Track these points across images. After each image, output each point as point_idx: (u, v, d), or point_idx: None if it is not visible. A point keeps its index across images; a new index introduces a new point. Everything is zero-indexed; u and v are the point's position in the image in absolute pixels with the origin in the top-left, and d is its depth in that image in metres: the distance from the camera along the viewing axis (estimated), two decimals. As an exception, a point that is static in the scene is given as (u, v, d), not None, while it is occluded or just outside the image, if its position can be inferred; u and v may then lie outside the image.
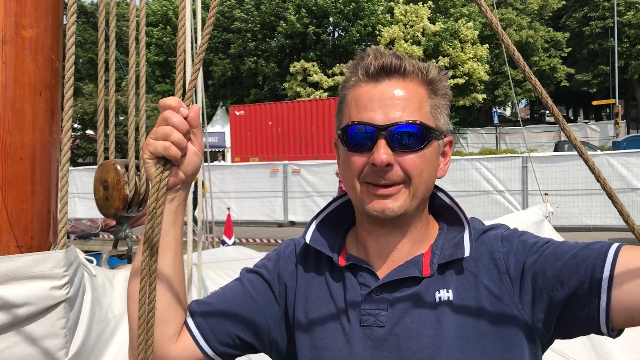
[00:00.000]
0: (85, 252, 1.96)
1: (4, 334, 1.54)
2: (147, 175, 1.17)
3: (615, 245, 1.12)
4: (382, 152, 1.14)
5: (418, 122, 1.16)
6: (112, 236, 2.12)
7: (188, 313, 1.33)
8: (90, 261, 1.90)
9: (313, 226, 1.33)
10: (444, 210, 1.31)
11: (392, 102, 1.17)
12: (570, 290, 1.11)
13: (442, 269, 1.21)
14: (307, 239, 1.30)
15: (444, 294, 1.18)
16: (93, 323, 1.77)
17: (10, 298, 1.53)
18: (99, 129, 2.10)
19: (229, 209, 10.15)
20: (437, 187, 1.31)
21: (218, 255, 2.80)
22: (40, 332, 1.59)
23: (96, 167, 2.05)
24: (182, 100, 1.14)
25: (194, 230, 2.45)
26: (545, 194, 5.75)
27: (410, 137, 1.16)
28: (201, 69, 2.40)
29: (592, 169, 1.08)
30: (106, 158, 2.11)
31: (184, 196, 1.23)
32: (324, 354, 1.21)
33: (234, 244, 9.18)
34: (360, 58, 1.22)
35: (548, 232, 4.74)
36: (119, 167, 1.87)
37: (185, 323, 1.31)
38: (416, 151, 1.17)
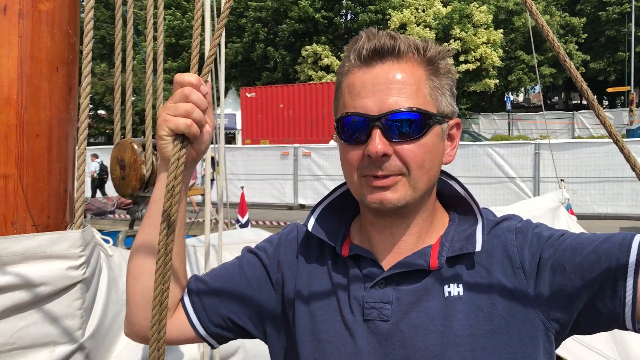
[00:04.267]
0: (98, 230, 1.94)
1: (22, 313, 1.52)
2: (162, 152, 1.12)
3: (638, 237, 1.06)
4: (377, 142, 1.07)
5: (415, 108, 1.09)
6: (125, 215, 2.09)
7: (185, 290, 1.31)
8: (107, 241, 1.88)
9: (316, 213, 1.28)
10: (455, 201, 1.25)
11: (387, 87, 1.09)
12: (592, 286, 1.06)
13: (452, 263, 1.15)
14: (310, 226, 1.25)
15: (454, 289, 1.12)
16: (109, 304, 1.75)
17: (26, 277, 1.51)
18: (115, 107, 2.06)
19: (242, 187, 10.17)
20: (450, 176, 1.25)
21: (235, 237, 2.78)
22: (57, 312, 1.57)
23: (108, 146, 2.02)
24: (200, 76, 1.10)
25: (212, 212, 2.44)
26: (562, 180, 5.68)
27: (408, 125, 1.08)
28: (222, 46, 2.35)
29: (628, 158, 1.02)
30: (123, 137, 2.07)
31: (190, 174, 1.22)
32: (326, 347, 1.16)
33: (247, 222, 9.23)
34: (353, 41, 1.15)
35: (564, 219, 4.69)
36: (135, 147, 1.84)
37: (182, 300, 1.30)
38: (415, 140, 1.09)
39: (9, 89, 1.55)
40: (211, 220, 2.10)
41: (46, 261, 1.55)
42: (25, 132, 1.58)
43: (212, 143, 2.55)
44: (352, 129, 1.11)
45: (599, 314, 1.07)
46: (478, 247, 1.13)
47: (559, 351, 2.71)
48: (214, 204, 3.32)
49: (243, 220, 9.18)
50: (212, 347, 1.36)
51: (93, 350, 1.67)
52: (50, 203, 1.64)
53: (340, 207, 1.30)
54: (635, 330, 1.07)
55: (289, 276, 1.27)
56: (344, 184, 1.29)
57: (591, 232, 1.17)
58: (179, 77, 1.10)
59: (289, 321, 1.24)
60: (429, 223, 1.20)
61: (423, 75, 1.12)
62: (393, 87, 1.09)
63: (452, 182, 1.25)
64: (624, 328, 1.08)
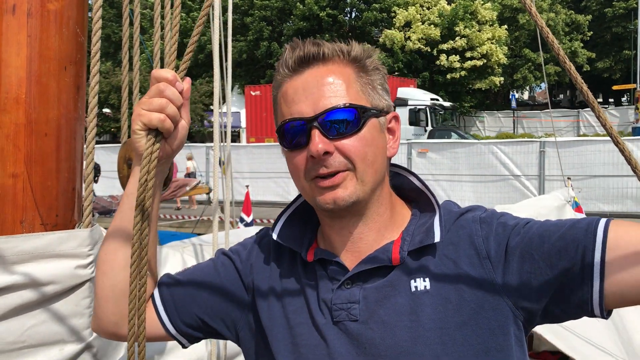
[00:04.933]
0: (104, 229, 1.94)
1: (31, 311, 1.53)
2: (135, 147, 1.13)
3: (603, 222, 1.06)
4: (317, 141, 1.09)
5: (348, 104, 1.11)
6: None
7: (156, 287, 1.31)
8: (115, 240, 1.88)
9: (282, 221, 1.28)
10: (415, 195, 1.25)
11: (318, 89, 1.12)
12: (560, 273, 1.06)
13: (416, 257, 1.16)
14: (275, 235, 1.26)
15: (421, 283, 1.13)
16: (117, 302, 1.75)
17: (35, 276, 1.52)
18: (123, 106, 2.06)
19: (247, 186, 10.18)
20: (407, 170, 1.27)
21: (242, 236, 2.77)
22: (66, 311, 1.58)
23: (113, 145, 2.02)
24: (177, 72, 1.11)
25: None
26: (568, 178, 5.66)
27: (344, 121, 1.11)
28: (230, 45, 2.35)
29: (629, 160, 1.01)
30: (129, 136, 2.07)
31: (165, 170, 1.22)
32: (301, 351, 1.17)
33: (252, 221, 9.24)
34: (281, 56, 1.18)
35: (570, 217, 4.67)
36: (143, 145, 1.84)
37: (152, 297, 1.30)
38: (353, 134, 1.12)
39: (17, 88, 1.55)
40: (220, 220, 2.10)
41: (55, 260, 1.55)
42: (34, 131, 1.58)
43: (221, 142, 2.56)
44: (292, 135, 1.14)
45: (567, 301, 1.08)
46: (437, 239, 1.14)
47: (567, 350, 2.71)
48: (219, 202, 3.32)
49: (248, 220, 9.18)
50: (183, 347, 1.35)
51: (101, 349, 1.67)
52: (59, 202, 1.64)
53: (306, 212, 1.30)
54: (603, 317, 1.07)
55: (260, 280, 1.28)
56: None
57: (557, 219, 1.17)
58: (156, 72, 1.11)
59: (261, 325, 1.24)
60: (387, 218, 1.21)
61: (351, 73, 1.16)
62: (324, 88, 1.12)
63: (410, 177, 1.26)
64: (593, 315, 1.08)
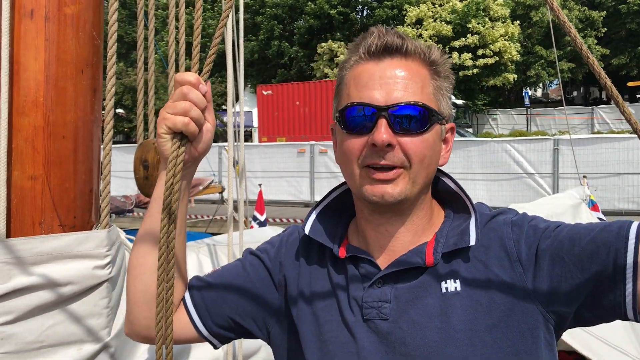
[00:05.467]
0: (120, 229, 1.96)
1: (50, 312, 1.55)
2: (161, 151, 1.14)
3: (635, 225, 1.06)
4: (383, 131, 1.09)
5: (420, 103, 1.12)
6: (144, 213, 2.11)
7: (187, 289, 1.32)
8: (131, 240, 1.90)
9: (313, 216, 1.29)
10: (449, 196, 1.26)
11: (394, 80, 1.12)
12: (592, 277, 1.06)
13: (448, 259, 1.16)
14: (307, 230, 1.26)
15: (451, 285, 1.13)
16: (134, 303, 1.77)
17: (54, 277, 1.54)
18: (139, 107, 2.08)
19: (260, 185, 10.21)
20: (441, 172, 1.26)
21: (256, 235, 2.80)
22: (84, 311, 1.60)
23: (126, 145, 2.04)
24: (200, 75, 1.12)
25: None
26: (584, 176, 5.62)
27: (412, 119, 1.11)
28: (242, 45, 2.36)
29: None
30: (145, 137, 2.09)
31: (192, 174, 1.23)
32: (329, 348, 1.18)
33: (265, 220, 9.27)
34: (362, 37, 1.18)
35: (586, 216, 4.64)
36: (159, 147, 1.86)
37: (183, 300, 1.31)
38: (418, 134, 1.12)
39: (35, 91, 1.57)
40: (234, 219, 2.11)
41: (73, 261, 1.57)
42: (52, 133, 1.60)
43: (235, 141, 2.57)
44: (357, 119, 1.13)
45: (599, 305, 1.07)
46: (472, 242, 1.14)
47: (583, 350, 2.69)
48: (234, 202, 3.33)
49: (262, 218, 9.22)
50: (215, 347, 1.36)
51: (119, 349, 1.69)
52: (77, 203, 1.66)
53: (338, 209, 1.31)
54: (636, 320, 1.07)
55: (290, 277, 1.28)
56: (340, 185, 1.31)
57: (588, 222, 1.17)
58: (179, 76, 1.12)
59: (292, 322, 1.25)
60: (426, 221, 1.21)
61: (427, 74, 1.16)
62: (400, 81, 1.12)
63: (445, 179, 1.26)
64: (625, 318, 1.07)
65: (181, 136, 1.10)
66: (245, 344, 2.12)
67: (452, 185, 1.24)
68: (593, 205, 5.19)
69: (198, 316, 1.29)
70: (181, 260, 1.27)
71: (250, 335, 1.34)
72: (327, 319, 1.20)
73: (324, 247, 1.27)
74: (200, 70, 1.13)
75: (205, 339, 1.31)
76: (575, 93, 52.52)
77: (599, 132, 26.99)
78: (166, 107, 1.12)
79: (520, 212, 1.23)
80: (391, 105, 1.10)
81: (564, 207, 4.35)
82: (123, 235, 1.84)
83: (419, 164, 1.12)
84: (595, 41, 38.57)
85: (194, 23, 1.16)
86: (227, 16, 1.09)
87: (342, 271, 1.22)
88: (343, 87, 1.19)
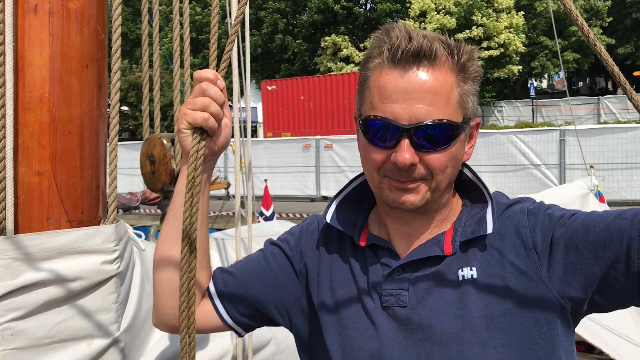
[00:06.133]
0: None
1: (59, 307, 1.55)
2: (182, 145, 1.17)
3: None
4: (406, 152, 1.09)
5: (445, 120, 1.09)
6: (150, 210, 2.11)
7: (211, 280, 1.35)
8: (139, 235, 1.90)
9: (334, 205, 1.31)
10: (467, 186, 1.27)
11: (419, 95, 1.09)
12: (606, 263, 1.07)
13: (465, 247, 1.18)
14: (328, 218, 1.29)
15: (467, 272, 1.15)
16: (143, 297, 1.77)
17: (62, 272, 1.54)
18: (144, 103, 2.08)
19: (265, 180, 10.24)
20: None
21: (264, 229, 2.80)
22: (93, 307, 1.60)
23: (131, 142, 2.04)
24: (217, 71, 1.14)
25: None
26: (591, 166, 5.59)
27: (437, 137, 1.10)
28: (248, 40, 2.35)
29: None
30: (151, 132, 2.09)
31: (212, 168, 1.26)
32: (350, 334, 1.20)
33: (272, 215, 9.29)
34: (386, 34, 1.13)
35: (593, 206, 4.62)
36: (165, 142, 1.85)
37: (208, 290, 1.34)
38: (442, 150, 1.11)
39: (41, 87, 1.57)
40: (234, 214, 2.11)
41: (81, 256, 1.57)
42: (58, 129, 1.60)
43: (241, 137, 2.56)
44: (379, 133, 1.12)
45: (614, 291, 1.08)
46: (489, 230, 1.16)
47: (592, 340, 2.68)
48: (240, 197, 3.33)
49: (268, 213, 9.25)
50: (239, 335, 1.40)
51: (128, 343, 1.69)
52: (84, 199, 1.66)
53: (358, 198, 1.33)
54: None
55: (311, 266, 1.31)
56: (361, 175, 1.32)
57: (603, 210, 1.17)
58: (198, 73, 1.14)
59: (314, 309, 1.28)
60: (445, 214, 1.23)
61: (454, 82, 1.13)
62: (425, 95, 1.09)
63: (464, 169, 1.27)
64: None
65: (201, 131, 1.13)
66: (254, 338, 2.13)
67: (470, 175, 1.26)
68: (599, 197, 5.16)
69: (222, 306, 1.32)
70: (204, 251, 1.30)
71: (272, 322, 1.37)
72: (347, 305, 1.23)
73: (344, 236, 1.30)
74: (217, 67, 1.14)
75: (230, 328, 1.34)
76: (581, 83, 52.21)
77: (605, 123, 26.86)
78: (186, 103, 1.14)
79: (553, 205, 1.23)
80: (415, 125, 1.08)
81: (572, 197, 4.34)
82: (131, 230, 1.84)
83: (440, 174, 1.13)
84: (601, 31, 38.27)
85: (211, 20, 1.17)
86: (242, 13, 1.09)
87: (362, 259, 1.25)
88: (367, 92, 1.16)
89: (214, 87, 1.12)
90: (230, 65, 2.22)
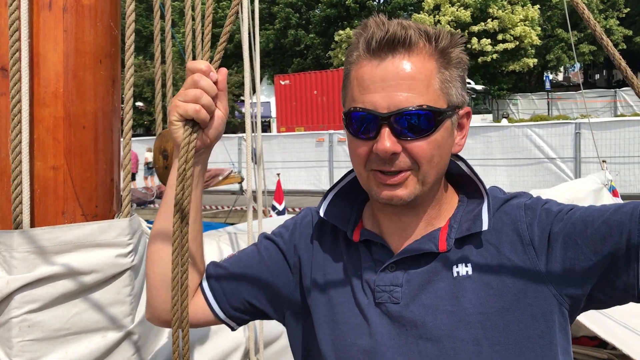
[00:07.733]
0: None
1: (74, 300, 1.57)
2: (173, 138, 1.15)
3: None
4: (386, 140, 1.06)
5: (425, 106, 1.06)
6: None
7: (205, 275, 1.34)
8: (152, 229, 1.92)
9: (328, 199, 1.29)
10: (463, 180, 1.24)
11: (397, 82, 1.06)
12: (605, 259, 1.04)
13: (460, 243, 1.16)
14: (322, 212, 1.27)
15: (463, 269, 1.13)
16: (157, 290, 1.79)
17: (77, 265, 1.56)
18: (157, 98, 2.10)
19: (278, 174, 10.26)
20: (457, 156, 1.24)
21: (275, 223, 2.80)
22: (107, 300, 1.62)
23: (146, 137, 2.06)
24: (211, 63, 1.13)
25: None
26: (604, 161, 5.53)
27: (417, 123, 1.06)
28: (257, 35, 2.36)
29: None
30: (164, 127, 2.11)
31: (205, 160, 1.23)
32: (342, 329, 1.19)
33: (284, 209, 9.32)
34: (362, 27, 1.12)
35: (607, 201, 4.58)
36: (177, 136, 1.87)
37: (200, 285, 1.33)
38: (424, 137, 1.08)
39: (55, 82, 1.59)
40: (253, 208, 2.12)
41: (96, 249, 1.60)
42: (72, 124, 1.62)
43: (252, 132, 2.57)
44: (360, 124, 1.10)
45: (613, 287, 1.06)
46: (484, 227, 1.13)
47: (604, 335, 2.66)
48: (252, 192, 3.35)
49: (280, 208, 9.27)
50: (232, 329, 1.38)
51: (142, 336, 1.72)
52: (98, 193, 1.68)
53: (352, 192, 1.31)
54: None
55: (305, 260, 1.30)
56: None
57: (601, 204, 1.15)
58: (191, 64, 1.13)
59: (307, 304, 1.27)
60: (438, 209, 1.21)
61: (434, 68, 1.09)
62: (403, 82, 1.07)
63: (459, 162, 1.24)
64: (638, 300, 1.06)
65: (192, 123, 1.12)
66: (266, 331, 2.14)
67: (465, 169, 1.23)
68: (613, 191, 5.11)
69: (215, 300, 1.31)
70: (197, 246, 1.28)
71: (265, 316, 1.36)
72: (340, 300, 1.21)
73: (337, 230, 1.28)
74: (211, 59, 1.14)
75: (223, 322, 1.33)
76: (597, 76, 51.62)
77: (622, 115, 26.53)
78: (178, 95, 1.13)
79: (550, 200, 1.20)
80: (394, 112, 1.06)
81: (586, 192, 4.30)
82: (144, 224, 1.86)
83: (427, 164, 1.10)
84: (617, 22, 37.77)
85: (205, 12, 1.17)
86: (237, 4, 1.09)
87: (356, 254, 1.23)
88: (348, 85, 1.16)
89: (206, 78, 1.10)
90: (242, 60, 2.23)
